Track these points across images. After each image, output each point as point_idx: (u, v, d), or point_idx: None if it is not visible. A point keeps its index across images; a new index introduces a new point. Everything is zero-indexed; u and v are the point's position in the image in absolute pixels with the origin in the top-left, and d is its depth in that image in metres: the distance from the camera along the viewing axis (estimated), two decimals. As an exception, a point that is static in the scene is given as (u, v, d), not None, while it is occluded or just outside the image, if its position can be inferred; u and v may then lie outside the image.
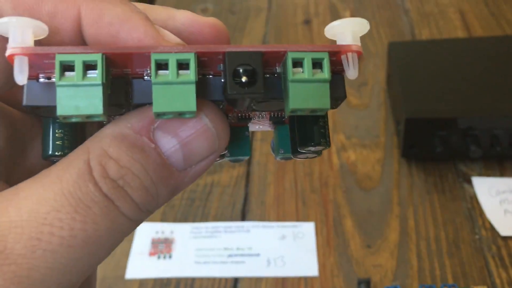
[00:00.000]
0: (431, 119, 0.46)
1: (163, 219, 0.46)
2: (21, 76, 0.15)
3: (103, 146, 0.16)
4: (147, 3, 0.23)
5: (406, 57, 0.54)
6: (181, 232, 0.45)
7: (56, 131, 0.18)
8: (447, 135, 0.46)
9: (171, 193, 0.17)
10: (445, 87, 0.49)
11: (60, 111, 0.16)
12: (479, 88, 0.48)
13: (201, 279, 0.41)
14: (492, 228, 0.42)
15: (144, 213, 0.17)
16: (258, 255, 0.43)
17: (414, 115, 0.46)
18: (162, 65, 0.16)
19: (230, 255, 0.43)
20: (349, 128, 0.55)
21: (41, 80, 0.16)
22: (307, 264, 0.41)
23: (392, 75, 0.54)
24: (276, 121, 0.21)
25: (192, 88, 0.16)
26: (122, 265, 0.42)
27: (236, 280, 0.41)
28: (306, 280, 0.40)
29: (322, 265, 0.41)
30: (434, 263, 0.40)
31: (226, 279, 0.41)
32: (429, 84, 0.49)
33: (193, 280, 0.41)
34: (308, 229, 0.44)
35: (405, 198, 0.46)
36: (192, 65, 0.16)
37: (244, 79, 0.16)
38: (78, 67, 0.16)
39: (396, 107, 0.52)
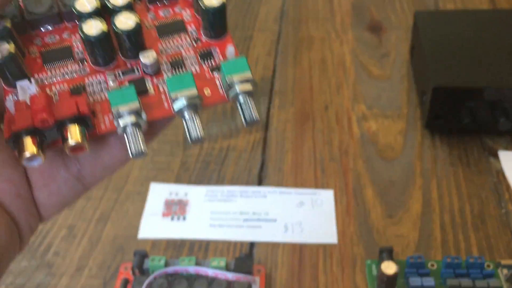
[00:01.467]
0: (459, 88, 0.44)
1: (177, 180, 0.45)
2: None
3: None
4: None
5: (432, 27, 0.52)
6: (196, 195, 0.43)
7: None
8: (475, 106, 0.44)
9: None
10: (473, 58, 0.47)
11: None
12: (507, 59, 0.46)
13: (216, 242, 0.40)
14: (520, 203, 0.41)
15: None
16: (275, 220, 0.41)
17: (441, 83, 0.44)
18: None
19: (246, 220, 0.41)
20: (370, 99, 0.53)
21: None
22: (325, 231, 0.40)
23: (418, 45, 0.52)
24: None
25: None
26: (134, 225, 0.41)
27: (252, 245, 0.40)
28: (325, 247, 0.39)
29: (341, 233, 0.40)
30: (459, 235, 0.39)
31: (242, 243, 0.40)
32: (456, 54, 0.47)
33: (207, 242, 0.40)
34: (327, 196, 0.43)
35: (428, 170, 0.45)
36: None
37: None
38: None
39: (421, 78, 0.50)
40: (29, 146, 0.20)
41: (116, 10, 0.23)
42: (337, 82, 0.56)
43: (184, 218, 0.42)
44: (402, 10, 0.68)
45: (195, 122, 0.21)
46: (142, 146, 0.21)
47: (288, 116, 0.52)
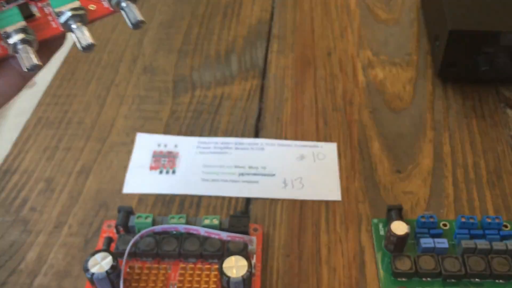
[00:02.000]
0: (478, 32, 0.40)
1: (166, 131, 0.41)
2: None
3: None
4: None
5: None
6: (187, 146, 0.40)
7: None
8: (493, 52, 0.40)
9: None
10: (492, 0, 0.42)
11: None
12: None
13: (209, 197, 0.36)
14: (539, 159, 0.38)
15: None
16: (273, 175, 0.38)
17: (458, 27, 0.40)
18: None
19: (241, 174, 0.38)
20: (377, 44, 0.49)
21: None
22: (328, 187, 0.37)
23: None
24: None
25: None
26: (119, 179, 0.38)
27: (248, 200, 0.36)
28: (327, 204, 0.36)
29: (345, 190, 0.37)
30: (473, 193, 0.36)
31: (237, 199, 0.36)
32: (476, -6, 0.43)
33: (200, 198, 0.36)
34: (330, 149, 0.39)
35: (440, 121, 0.41)
36: None
37: None
38: None
39: (434, 22, 0.46)
40: None
41: None
42: (341, 26, 0.51)
43: (173, 172, 0.38)
44: (411, -51, 0.62)
45: (84, 31, 0.24)
46: (35, 60, 0.24)
47: (288, 62, 0.48)
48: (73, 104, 0.44)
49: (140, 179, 0.38)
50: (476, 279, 0.30)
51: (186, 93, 0.44)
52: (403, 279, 0.31)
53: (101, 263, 0.29)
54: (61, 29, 0.25)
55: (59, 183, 0.37)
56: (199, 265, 0.31)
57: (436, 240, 0.31)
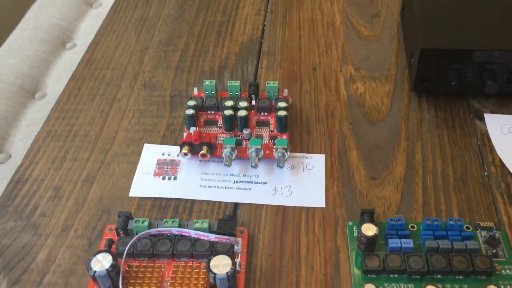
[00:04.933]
0: (447, 50, 0.43)
1: (163, 143, 0.45)
2: None
3: None
4: None
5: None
6: (189, 155, 0.43)
7: None
8: (463, 68, 0.44)
9: None
10: (463, 19, 0.46)
11: None
12: (499, 21, 0.46)
13: (201, 202, 0.40)
14: (502, 165, 0.41)
15: None
16: (265, 183, 0.42)
17: (429, 45, 0.44)
18: None
19: (236, 181, 0.42)
20: (359, 60, 0.53)
21: None
22: (314, 194, 0.40)
23: (408, 5, 0.51)
24: None
25: None
26: (120, 187, 0.41)
27: (236, 205, 0.40)
28: (307, 208, 0.39)
29: (327, 197, 0.40)
30: (440, 198, 0.39)
31: (227, 204, 0.40)
32: (446, 15, 0.47)
33: (192, 202, 0.40)
34: (318, 160, 0.43)
35: (413, 132, 0.45)
36: None
37: None
38: None
39: (411, 39, 0.49)
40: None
41: None
42: (326, 42, 0.55)
43: (175, 178, 0.42)
44: (395, -32, 0.66)
45: None
46: None
47: (276, 77, 0.51)
48: (79, 118, 0.48)
49: (144, 184, 0.42)
50: (438, 276, 0.34)
51: (182, 107, 0.48)
52: (373, 276, 0.34)
53: (102, 262, 0.33)
54: None
55: (66, 190, 0.41)
56: (190, 264, 0.35)
57: (403, 240, 0.35)
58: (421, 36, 0.45)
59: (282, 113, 0.43)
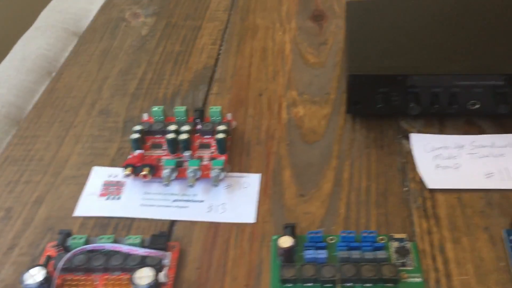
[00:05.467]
0: (373, 75, 0.47)
1: (112, 165, 0.48)
2: None
3: None
4: None
5: (361, 16, 0.54)
6: (131, 176, 0.46)
7: None
8: (389, 92, 0.47)
9: None
10: (392, 46, 0.50)
11: None
12: (422, 47, 0.49)
13: (140, 220, 0.43)
14: (421, 182, 0.44)
15: None
16: (202, 201, 0.44)
17: (356, 71, 0.47)
18: None
19: (175, 200, 0.45)
20: (303, 85, 0.56)
21: None
22: (245, 211, 0.43)
23: (346, 33, 0.54)
24: None
25: None
26: (67, 207, 0.44)
27: (173, 222, 0.43)
28: (238, 224, 0.42)
29: (258, 213, 0.43)
30: (361, 212, 0.42)
31: (164, 221, 0.43)
32: (377, 42, 0.50)
33: (132, 220, 0.43)
34: (254, 180, 0.46)
35: (344, 151, 0.48)
36: None
37: None
38: None
39: (346, 65, 0.53)
40: None
41: None
42: (274, 70, 0.59)
43: (119, 198, 0.45)
44: (346, -2, 0.70)
45: None
46: None
47: (224, 102, 0.55)
48: (37, 144, 0.51)
49: (89, 204, 0.45)
50: (349, 283, 0.36)
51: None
52: (289, 285, 0.37)
53: (35, 276, 0.35)
54: None
55: (16, 211, 0.44)
56: (121, 277, 0.38)
57: (319, 251, 0.37)
58: (349, 63, 0.48)
59: (220, 135, 0.46)
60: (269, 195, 0.44)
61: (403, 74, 0.46)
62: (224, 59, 0.61)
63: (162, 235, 0.40)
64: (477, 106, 0.47)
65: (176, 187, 0.45)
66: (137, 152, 0.46)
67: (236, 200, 0.44)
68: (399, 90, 0.47)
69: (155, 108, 0.50)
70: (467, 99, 0.47)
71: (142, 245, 0.39)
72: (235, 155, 0.48)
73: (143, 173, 0.45)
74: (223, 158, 0.46)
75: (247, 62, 0.60)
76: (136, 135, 0.47)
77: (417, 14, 0.53)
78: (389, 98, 0.48)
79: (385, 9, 0.55)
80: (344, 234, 0.38)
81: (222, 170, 0.45)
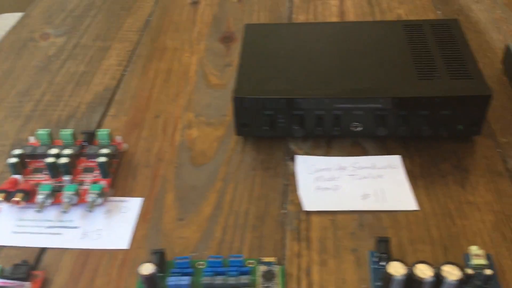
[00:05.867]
0: (257, 98, 0.47)
1: (-11, 191, 0.46)
2: None
3: None
4: None
5: (256, 39, 0.55)
6: (3, 202, 0.45)
7: None
8: (275, 114, 0.48)
9: None
10: (280, 69, 0.50)
11: None
12: (310, 71, 0.49)
13: (9, 248, 0.41)
14: (299, 204, 0.44)
15: None
16: (76, 227, 0.43)
17: (241, 94, 0.47)
18: None
19: (49, 227, 0.43)
20: (201, 107, 0.56)
21: None
22: (120, 237, 0.42)
23: (239, 55, 0.55)
24: None
25: None
26: None
27: (42, 250, 0.41)
28: (111, 251, 0.41)
29: (133, 238, 0.42)
30: (236, 236, 0.42)
31: (33, 249, 0.41)
32: (267, 65, 0.50)
33: (1, 248, 0.41)
34: (135, 204, 0.45)
35: (230, 174, 0.47)
36: None
37: None
38: None
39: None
40: None
41: None
42: (176, 91, 0.58)
43: (-7, 226, 0.43)
44: (258, 21, 0.71)
45: None
46: None
47: (119, 124, 0.54)
48: None
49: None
50: (211, 310, 0.36)
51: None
52: (150, 312, 0.36)
53: None
54: None
55: None
56: (-26, 309, 0.36)
57: (181, 278, 0.37)
58: (236, 85, 0.48)
59: (102, 159, 0.45)
60: (147, 220, 0.44)
61: (286, 97, 0.47)
62: (127, 81, 0.61)
63: (24, 264, 0.38)
64: (359, 128, 0.47)
65: (52, 213, 0.44)
66: (13, 177, 0.45)
67: (113, 226, 0.43)
68: (284, 113, 0.47)
69: (41, 131, 0.49)
70: (350, 122, 0.47)
71: (1, 275, 0.37)
72: (120, 178, 0.47)
73: (16, 199, 0.43)
74: (103, 182, 0.45)
75: (150, 83, 0.60)
76: (13, 160, 0.45)
77: (308, 40, 0.54)
78: (275, 121, 0.48)
79: (280, 33, 0.55)
80: (211, 259, 0.38)
81: (100, 195, 0.44)
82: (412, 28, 0.54)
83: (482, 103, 0.45)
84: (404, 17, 0.69)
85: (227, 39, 0.67)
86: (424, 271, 0.34)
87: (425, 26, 0.54)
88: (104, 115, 0.55)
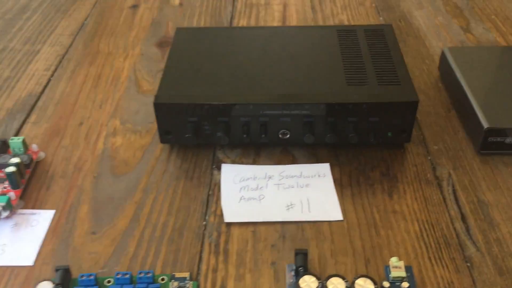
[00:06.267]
0: (179, 104, 0.45)
1: None
2: None
3: None
4: None
5: (186, 44, 0.52)
6: None
7: None
8: (199, 121, 0.45)
9: None
10: (206, 75, 0.47)
11: None
12: (236, 77, 0.47)
13: None
14: (221, 215, 0.42)
15: None
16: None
17: (162, 100, 0.45)
18: None
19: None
20: (129, 114, 0.53)
21: None
22: (25, 253, 0.39)
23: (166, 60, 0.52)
24: None
25: None
26: None
27: None
28: (14, 268, 0.38)
29: (39, 254, 0.39)
30: (151, 250, 0.39)
31: None
32: (193, 70, 0.48)
33: None
34: (46, 216, 0.42)
35: (152, 184, 0.45)
36: None
37: None
38: None
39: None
40: None
41: None
42: (104, 97, 0.56)
43: None
44: (198, 25, 0.69)
45: None
46: None
47: (39, 132, 0.51)
48: None
49: None
50: (114, 332, 0.33)
51: None
52: (47, 337, 0.33)
53: None
54: None
55: None
56: None
57: (84, 297, 0.34)
58: (158, 91, 0.46)
59: (10, 169, 0.42)
60: (57, 234, 0.41)
61: (209, 103, 0.44)
62: (53, 86, 0.57)
63: None
64: (287, 136, 0.46)
65: (-45, 228, 0.41)
66: None
67: (19, 240, 0.40)
68: (209, 120, 0.45)
69: None
70: (278, 129, 0.46)
71: None
72: (33, 189, 0.44)
73: None
74: (11, 194, 0.42)
75: (78, 89, 0.57)
76: None
77: (240, 44, 0.52)
78: (201, 128, 0.46)
79: (212, 37, 0.53)
80: (119, 276, 0.35)
81: (5, 207, 0.40)
82: (346, 33, 0.53)
83: (410, 110, 0.44)
84: (347, 24, 0.69)
85: (164, 44, 0.65)
86: (337, 285, 0.32)
87: (359, 31, 0.53)
88: (24, 122, 0.52)
